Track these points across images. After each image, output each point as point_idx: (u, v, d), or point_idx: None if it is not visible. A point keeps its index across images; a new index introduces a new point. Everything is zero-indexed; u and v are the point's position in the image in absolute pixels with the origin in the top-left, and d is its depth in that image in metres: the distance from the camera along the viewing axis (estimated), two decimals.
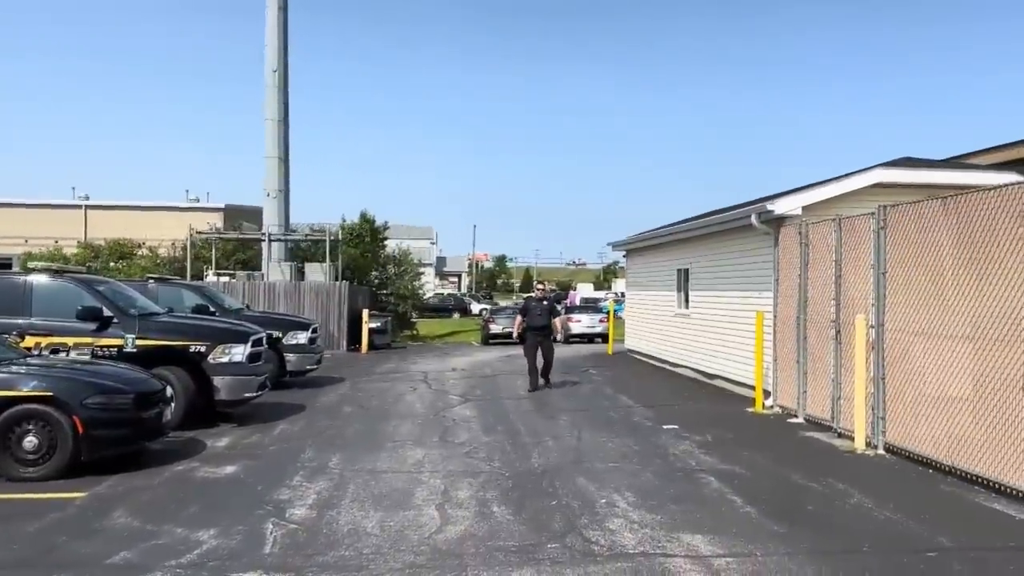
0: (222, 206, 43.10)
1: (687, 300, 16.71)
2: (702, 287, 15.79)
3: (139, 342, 10.22)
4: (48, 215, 42.32)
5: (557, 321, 14.81)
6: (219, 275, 25.49)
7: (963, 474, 7.35)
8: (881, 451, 8.71)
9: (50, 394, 7.58)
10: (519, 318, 14.56)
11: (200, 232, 27.86)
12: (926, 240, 8.16)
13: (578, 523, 6.16)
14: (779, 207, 11.72)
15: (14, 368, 7.98)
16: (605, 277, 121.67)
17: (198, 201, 47.28)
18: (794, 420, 10.92)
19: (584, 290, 66.26)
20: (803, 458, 8.63)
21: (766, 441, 9.60)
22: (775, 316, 11.84)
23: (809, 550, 5.52)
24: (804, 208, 11.58)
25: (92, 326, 10.07)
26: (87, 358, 9.80)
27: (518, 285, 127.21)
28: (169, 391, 9.86)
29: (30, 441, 7.49)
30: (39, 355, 9.36)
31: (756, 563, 5.26)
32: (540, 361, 14.15)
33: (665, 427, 10.42)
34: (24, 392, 7.60)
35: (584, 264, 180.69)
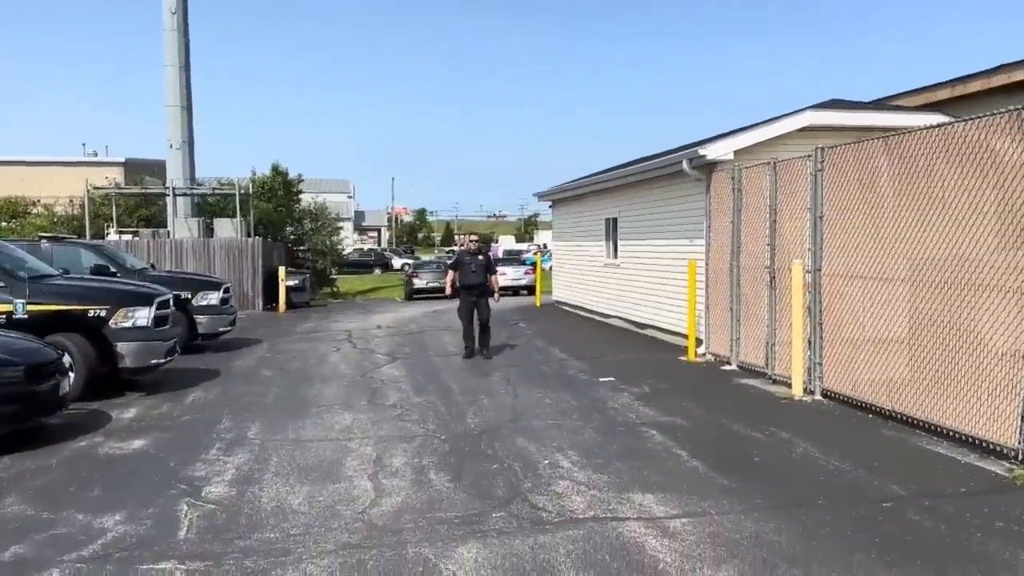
0: (123, 160, 40.55)
1: (616, 250, 16.48)
2: (632, 236, 15.56)
3: (31, 307, 9.29)
4: None
5: (494, 279, 12.61)
6: (121, 233, 23.94)
7: (903, 418, 7.31)
8: (818, 396, 8.65)
9: None
10: (451, 273, 12.87)
11: (98, 187, 26.01)
12: (865, 182, 8.00)
13: (522, 488, 5.80)
14: (711, 152, 11.47)
15: None
16: (527, 229, 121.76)
17: (96, 155, 44.46)
18: (728, 367, 10.84)
19: (506, 242, 66.12)
20: (742, 406, 8.49)
21: (703, 390, 9.45)
22: (707, 263, 11.68)
23: (764, 505, 5.31)
24: (736, 152, 11.38)
25: None
26: None
27: (439, 239, 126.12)
28: (67, 360, 9.02)
29: None
30: None
31: (713, 523, 5.01)
32: (476, 325, 12.36)
33: (601, 380, 10.17)
34: None
35: (505, 216, 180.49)
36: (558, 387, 9.77)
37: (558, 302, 21.65)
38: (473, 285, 12.32)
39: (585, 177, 19.82)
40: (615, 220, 16.53)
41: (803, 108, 12.04)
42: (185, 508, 5.50)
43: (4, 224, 30.09)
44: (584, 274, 19.10)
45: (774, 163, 9.71)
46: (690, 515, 5.16)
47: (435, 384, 10.17)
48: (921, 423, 7.07)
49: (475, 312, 12.32)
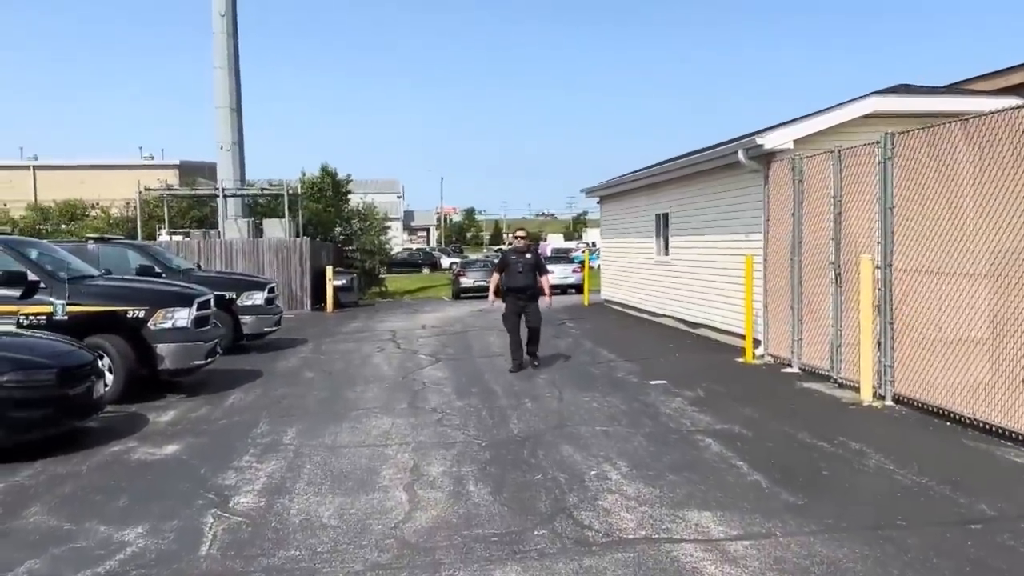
0: (177, 162, 41.38)
1: (667, 246, 15.90)
2: (683, 232, 14.97)
3: (70, 308, 9.18)
4: None
5: (545, 280, 11.12)
6: (172, 234, 24.19)
7: (986, 426, 6.67)
8: (889, 402, 8.02)
9: None
10: (495, 276, 11.44)
11: (150, 189, 26.38)
12: (941, 169, 7.35)
13: (567, 502, 5.37)
14: (769, 141, 10.85)
15: None
16: (575, 227, 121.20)
17: (152, 158, 45.44)
18: (788, 370, 10.22)
19: (555, 241, 65.66)
20: (806, 413, 7.91)
21: (762, 395, 8.88)
22: (765, 260, 11.06)
23: (835, 526, 4.78)
24: (796, 142, 10.73)
25: (16, 292, 9.02)
26: (12, 328, 8.79)
27: (487, 238, 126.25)
28: (106, 362, 8.91)
29: None
30: None
31: (778, 546, 4.50)
32: (524, 332, 10.94)
33: (652, 383, 9.66)
34: None
35: (553, 215, 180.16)
36: (607, 390, 9.30)
37: (607, 301, 21.11)
38: (520, 288, 10.84)
39: (634, 172, 19.24)
40: (666, 215, 15.95)
41: (867, 94, 11.33)
42: (210, 520, 5.21)
43: (64, 227, 30.78)
44: (634, 272, 18.53)
45: (838, 151, 9.08)
46: (753, 536, 4.66)
47: (478, 386, 9.79)
48: (1007, 432, 6.42)
49: (523, 318, 10.91)
